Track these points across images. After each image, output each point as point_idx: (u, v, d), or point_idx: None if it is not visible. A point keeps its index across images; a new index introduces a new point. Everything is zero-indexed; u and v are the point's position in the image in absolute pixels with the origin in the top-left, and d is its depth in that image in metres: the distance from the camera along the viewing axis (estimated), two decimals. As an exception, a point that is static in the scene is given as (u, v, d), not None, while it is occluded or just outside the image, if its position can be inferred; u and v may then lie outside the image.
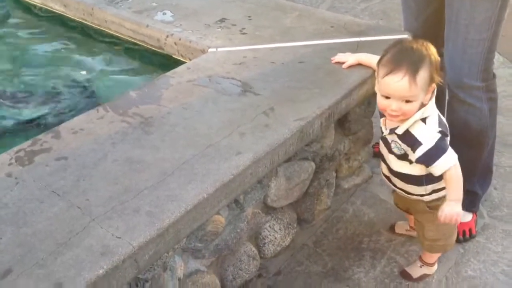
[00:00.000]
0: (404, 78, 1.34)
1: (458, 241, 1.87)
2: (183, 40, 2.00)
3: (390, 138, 1.53)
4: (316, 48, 1.93)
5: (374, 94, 1.99)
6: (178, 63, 2.00)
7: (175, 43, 2.03)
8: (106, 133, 1.45)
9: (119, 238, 1.12)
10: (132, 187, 1.26)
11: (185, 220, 1.22)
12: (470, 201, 1.93)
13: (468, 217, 1.94)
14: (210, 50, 1.92)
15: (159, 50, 2.10)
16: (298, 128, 1.50)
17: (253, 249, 1.74)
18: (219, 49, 1.92)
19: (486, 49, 1.75)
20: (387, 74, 1.36)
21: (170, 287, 1.40)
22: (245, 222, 1.63)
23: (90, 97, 2.08)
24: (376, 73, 1.47)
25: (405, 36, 1.96)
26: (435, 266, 1.80)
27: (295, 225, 1.94)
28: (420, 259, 1.79)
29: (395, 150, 1.53)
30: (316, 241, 1.96)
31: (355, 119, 1.97)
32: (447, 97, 1.96)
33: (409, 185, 1.59)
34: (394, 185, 1.64)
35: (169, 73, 1.76)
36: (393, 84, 1.36)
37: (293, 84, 1.70)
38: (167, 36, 2.04)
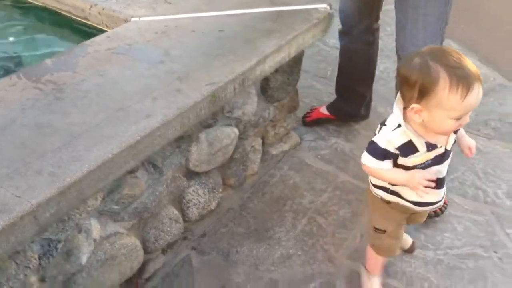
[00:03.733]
0: (479, 87, 1.19)
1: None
2: (107, 10, 1.99)
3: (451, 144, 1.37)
4: (238, 17, 1.96)
5: (296, 63, 2.10)
6: (103, 33, 2.00)
7: (99, 13, 2.02)
8: (17, 100, 1.45)
9: (19, 197, 1.14)
10: (38, 150, 1.28)
11: (89, 180, 1.25)
12: None
13: None
14: (133, 19, 1.93)
15: (84, 21, 2.09)
16: (210, 93, 1.54)
17: (176, 212, 1.79)
18: (141, 19, 1.93)
19: (444, 24, 1.80)
20: (465, 95, 1.17)
21: (85, 248, 1.44)
22: (164, 186, 1.67)
23: (17, 66, 2.06)
24: (431, 102, 1.21)
25: (324, 6, 2.02)
26: None
27: (220, 190, 2.00)
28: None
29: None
30: (242, 205, 2.03)
31: (278, 86, 2.03)
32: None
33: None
34: (434, 203, 1.46)
35: (87, 42, 1.76)
36: (475, 101, 1.19)
37: (211, 51, 1.73)
38: (91, 6, 2.03)
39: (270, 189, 2.10)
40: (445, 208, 1.96)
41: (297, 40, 1.87)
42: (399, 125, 1.29)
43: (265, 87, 2.00)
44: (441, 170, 1.38)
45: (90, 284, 1.52)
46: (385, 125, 1.34)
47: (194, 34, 1.84)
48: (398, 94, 1.30)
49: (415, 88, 1.21)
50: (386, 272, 1.74)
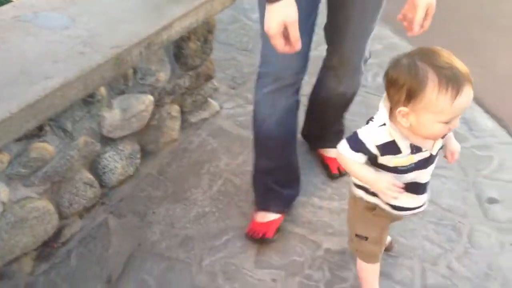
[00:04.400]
0: (470, 89, 1.14)
1: (332, 177, 2.03)
2: (13, -20, 1.99)
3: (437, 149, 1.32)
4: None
5: (209, 31, 2.16)
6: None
7: (6, -16, 2.01)
8: None
9: None
10: None
11: (-14, 138, 1.28)
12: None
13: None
14: (40, -12, 1.93)
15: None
16: (114, 55, 1.58)
17: (90, 176, 1.82)
18: (49, -12, 1.93)
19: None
20: (455, 97, 1.12)
21: (-7, 210, 1.46)
22: (76, 150, 1.70)
23: None
24: (416, 104, 1.17)
25: None
26: None
27: (138, 156, 2.04)
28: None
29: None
30: (160, 170, 2.08)
31: (191, 54, 2.08)
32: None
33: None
34: (414, 208, 1.41)
35: (-8, 11, 1.76)
36: (465, 103, 1.15)
37: (118, 17, 1.76)
38: (-2, -23, 2.01)
39: (189, 155, 2.16)
40: None
41: (205, 7, 1.92)
42: (385, 124, 1.25)
43: (178, 55, 2.05)
44: (423, 175, 1.33)
45: (1, 246, 1.54)
46: (372, 120, 1.29)
47: (102, 1, 1.86)
48: (385, 94, 1.26)
49: (402, 90, 1.16)
50: (294, 221, 1.86)
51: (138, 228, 1.84)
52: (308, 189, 1.99)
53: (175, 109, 2.16)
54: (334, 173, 2.05)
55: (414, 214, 1.44)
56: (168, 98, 2.08)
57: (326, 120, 2.08)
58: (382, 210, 1.40)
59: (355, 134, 1.28)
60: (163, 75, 1.98)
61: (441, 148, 1.31)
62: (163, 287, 1.65)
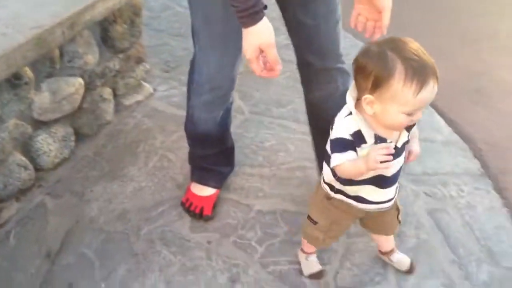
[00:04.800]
0: (434, 84, 1.16)
1: None
2: None
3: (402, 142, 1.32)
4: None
5: (135, 14, 2.21)
6: None
7: None
8: None
9: None
10: None
11: None
12: None
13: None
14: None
15: None
16: (35, 35, 1.63)
17: (23, 159, 1.85)
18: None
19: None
20: (419, 91, 1.13)
21: None
22: (6, 133, 1.73)
23: None
24: (379, 93, 1.18)
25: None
26: None
27: (72, 139, 2.08)
28: (389, 253, 1.69)
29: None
30: (96, 152, 2.12)
31: (118, 37, 2.13)
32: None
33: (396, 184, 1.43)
34: (379, 202, 1.41)
35: None
36: (428, 97, 1.17)
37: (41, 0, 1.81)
38: None
39: (124, 135, 2.21)
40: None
41: (128, -11, 2.00)
42: (350, 113, 1.25)
43: (105, 37, 2.09)
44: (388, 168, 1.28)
45: None
46: (336, 117, 1.29)
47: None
48: (353, 83, 1.26)
49: (369, 78, 1.17)
50: (227, 189, 1.96)
51: (75, 207, 1.88)
52: (240, 159, 2.10)
53: (107, 92, 2.20)
54: None
55: (379, 209, 1.41)
56: (99, 81, 2.12)
57: None
58: (338, 201, 1.41)
59: (332, 140, 1.27)
60: (91, 58, 2.02)
61: (407, 142, 1.31)
62: (102, 257, 1.71)
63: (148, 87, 2.46)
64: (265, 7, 1.25)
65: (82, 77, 2.01)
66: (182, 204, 1.89)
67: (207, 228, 1.82)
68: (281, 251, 1.74)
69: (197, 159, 1.93)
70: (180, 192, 1.94)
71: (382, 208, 1.41)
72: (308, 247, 1.65)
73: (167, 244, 1.75)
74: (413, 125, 1.29)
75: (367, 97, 1.19)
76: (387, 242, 1.66)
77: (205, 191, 1.89)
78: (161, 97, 2.45)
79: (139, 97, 2.42)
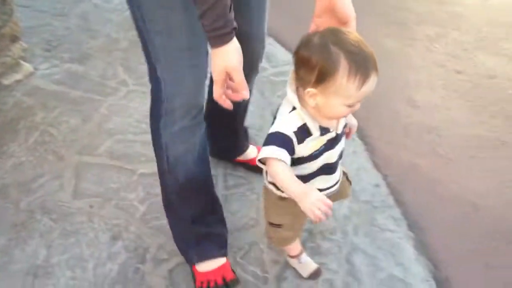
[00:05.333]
0: (375, 78, 1.16)
1: None
2: None
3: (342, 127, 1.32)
4: None
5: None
6: None
7: None
8: None
9: None
10: None
11: None
12: None
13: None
14: None
15: None
16: None
17: None
18: None
19: None
20: (362, 85, 1.13)
21: None
22: None
23: None
24: (322, 84, 1.15)
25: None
26: None
27: None
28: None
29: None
30: (-27, 132, 2.09)
31: (-13, 14, 2.10)
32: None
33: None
34: (334, 184, 1.41)
35: None
36: (369, 90, 1.16)
37: None
38: None
39: (4, 114, 2.18)
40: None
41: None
42: (294, 108, 1.22)
43: (-28, 15, 2.05)
44: (333, 155, 1.31)
45: None
46: (277, 113, 1.26)
47: None
48: (291, 75, 1.23)
49: (314, 72, 1.14)
50: (110, 156, 2.01)
51: (-50, 187, 1.85)
52: (124, 128, 2.14)
53: (-20, 71, 2.16)
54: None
55: (331, 192, 1.40)
56: (-31, 60, 2.08)
57: (236, 122, 1.88)
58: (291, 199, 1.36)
59: (271, 133, 1.22)
60: (-44, 36, 1.98)
61: (345, 126, 1.33)
62: (-20, 232, 1.71)
63: (28, 66, 2.42)
64: (235, 28, 1.15)
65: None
66: None
67: (89, 194, 1.86)
68: (162, 208, 1.79)
69: (190, 228, 1.59)
70: (61, 163, 1.96)
71: (333, 191, 1.41)
72: (292, 250, 1.63)
73: (48, 212, 1.78)
74: None
75: (310, 90, 1.16)
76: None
77: (214, 263, 1.59)
78: (42, 76, 2.42)
79: (19, 76, 2.37)
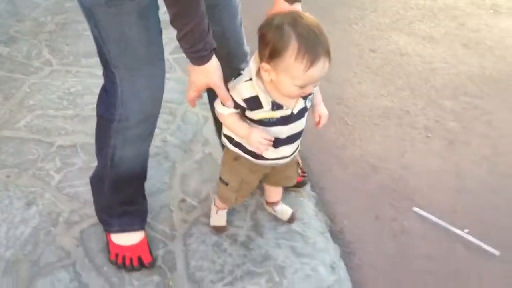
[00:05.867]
0: (325, 64, 1.21)
1: None
2: None
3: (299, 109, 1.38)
4: None
5: None
6: None
7: None
8: None
9: None
10: None
11: None
12: None
13: None
14: None
15: None
16: None
17: None
18: None
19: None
20: (309, 68, 1.19)
21: None
22: None
23: None
24: (273, 64, 1.23)
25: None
26: None
27: None
28: (274, 204, 1.80)
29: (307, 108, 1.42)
30: None
31: None
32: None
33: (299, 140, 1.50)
34: (279, 158, 1.47)
35: None
36: (318, 75, 1.22)
37: None
38: None
39: None
40: (306, 181, 1.94)
41: None
42: (251, 79, 1.30)
43: None
44: (284, 131, 1.38)
45: None
46: (240, 74, 1.35)
47: None
48: (257, 50, 1.30)
49: (267, 47, 1.21)
50: (29, 131, 2.05)
51: None
52: (44, 104, 2.20)
53: None
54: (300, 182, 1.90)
55: (276, 164, 1.49)
56: None
57: None
58: (245, 160, 1.47)
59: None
60: None
61: (305, 109, 1.39)
62: None
63: (-50, 47, 2.44)
64: (214, 49, 1.24)
65: None
66: (113, 261, 1.61)
67: (6, 165, 1.91)
68: (77, 177, 1.89)
69: (116, 207, 1.64)
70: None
71: (278, 164, 1.49)
72: (220, 203, 1.72)
73: (-37, 183, 1.83)
74: (309, 94, 1.36)
75: (264, 65, 1.24)
76: (276, 193, 1.77)
77: (133, 237, 1.65)
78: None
79: None
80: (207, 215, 1.77)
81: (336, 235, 1.79)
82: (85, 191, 1.82)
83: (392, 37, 2.97)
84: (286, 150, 1.45)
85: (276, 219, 1.80)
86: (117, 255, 1.61)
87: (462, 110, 2.42)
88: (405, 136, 2.25)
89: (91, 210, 1.73)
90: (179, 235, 1.72)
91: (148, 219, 1.75)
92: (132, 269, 1.60)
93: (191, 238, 1.71)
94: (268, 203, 1.81)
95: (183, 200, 1.84)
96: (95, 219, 1.71)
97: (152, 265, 1.61)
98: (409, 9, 3.26)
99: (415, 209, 1.90)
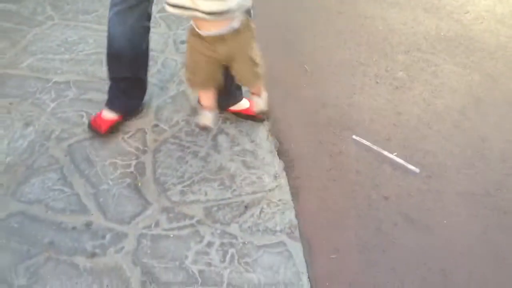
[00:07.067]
0: None
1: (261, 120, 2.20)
2: None
3: None
4: None
5: None
6: None
7: None
8: None
9: None
10: None
11: None
12: (241, 92, 2.18)
13: (246, 102, 2.19)
14: None
15: None
16: None
17: None
18: None
19: None
20: None
21: None
22: None
23: None
24: None
25: None
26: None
27: None
28: (254, 94, 2.01)
29: None
30: None
31: None
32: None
33: None
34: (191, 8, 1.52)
35: None
36: None
37: None
38: None
39: None
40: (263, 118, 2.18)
41: None
42: None
43: None
44: None
45: None
46: None
47: None
48: None
49: None
50: (30, 69, 2.37)
51: None
52: (44, 50, 2.51)
53: None
54: (259, 117, 2.19)
55: (197, 16, 1.52)
56: None
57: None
58: (196, 41, 1.64)
59: None
60: None
61: None
62: None
63: (-34, 3, 2.76)
64: None
65: None
66: (89, 125, 2.07)
67: (10, 95, 2.23)
68: (68, 105, 2.21)
69: (112, 83, 2.05)
70: (-10, 74, 2.33)
71: (197, 16, 1.52)
72: (201, 99, 1.97)
73: (-26, 107, 2.16)
74: None
75: None
76: (245, 81, 1.92)
77: (110, 115, 2.07)
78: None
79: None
80: (176, 137, 2.08)
81: (282, 154, 2.08)
82: (75, 116, 2.15)
83: (360, 2, 3.22)
84: (212, 4, 1.49)
85: (234, 141, 2.10)
86: (94, 123, 2.07)
87: (412, 63, 2.68)
88: (356, 82, 2.52)
89: (78, 130, 2.06)
90: (149, 151, 2.03)
91: (125, 137, 2.07)
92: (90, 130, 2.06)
93: (159, 153, 2.02)
94: (250, 92, 2.05)
95: (156, 126, 2.15)
96: (81, 136, 2.04)
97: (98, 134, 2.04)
98: (379, -22, 3.51)
99: (354, 137, 2.18)
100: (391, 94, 2.45)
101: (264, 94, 2.00)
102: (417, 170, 2.03)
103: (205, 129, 2.02)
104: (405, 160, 2.07)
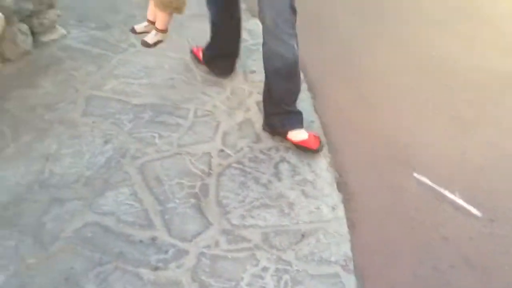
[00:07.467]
0: None
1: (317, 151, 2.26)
2: None
3: None
4: None
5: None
6: None
7: None
8: None
9: None
10: None
11: None
12: (300, 120, 2.33)
13: (304, 134, 2.29)
14: None
15: None
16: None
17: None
18: None
19: None
20: None
21: None
22: None
23: None
24: None
25: None
26: (168, 32, 2.54)
27: (-3, 61, 2.67)
28: (155, 28, 2.50)
29: None
30: (19, 70, 2.71)
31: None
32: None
33: None
34: None
35: None
36: None
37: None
38: None
39: (40, 61, 2.80)
40: (321, 148, 2.28)
41: None
42: None
43: (17, -17, 2.69)
44: None
45: None
46: None
47: None
48: None
49: None
50: (113, 91, 2.58)
51: (-4, 103, 2.47)
52: (127, 74, 2.72)
53: (24, 27, 2.79)
54: (316, 148, 2.26)
55: None
56: (16, 17, 2.71)
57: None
58: None
59: None
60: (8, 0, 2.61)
61: None
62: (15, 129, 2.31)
63: (62, 30, 3.05)
64: None
65: (3, 13, 2.59)
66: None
67: (93, 115, 2.44)
68: (145, 126, 2.37)
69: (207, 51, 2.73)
70: (77, 94, 2.55)
71: None
72: (161, 22, 2.43)
73: (62, 123, 2.36)
74: None
75: None
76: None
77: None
78: (72, 38, 3.05)
79: (54, 36, 3.00)
80: (239, 162, 2.18)
81: (341, 186, 2.11)
82: (148, 136, 2.31)
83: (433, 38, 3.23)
84: None
85: (295, 171, 2.16)
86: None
87: (479, 102, 2.63)
88: (420, 114, 2.52)
89: (151, 149, 2.22)
90: (214, 174, 2.14)
91: (192, 160, 2.19)
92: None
93: (223, 177, 2.12)
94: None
95: (222, 151, 2.26)
96: (153, 156, 2.19)
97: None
98: None
99: (415, 174, 2.17)
100: (455, 131, 2.42)
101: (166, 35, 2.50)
102: (479, 214, 1.99)
103: (146, 46, 2.49)
104: (467, 201, 2.03)
